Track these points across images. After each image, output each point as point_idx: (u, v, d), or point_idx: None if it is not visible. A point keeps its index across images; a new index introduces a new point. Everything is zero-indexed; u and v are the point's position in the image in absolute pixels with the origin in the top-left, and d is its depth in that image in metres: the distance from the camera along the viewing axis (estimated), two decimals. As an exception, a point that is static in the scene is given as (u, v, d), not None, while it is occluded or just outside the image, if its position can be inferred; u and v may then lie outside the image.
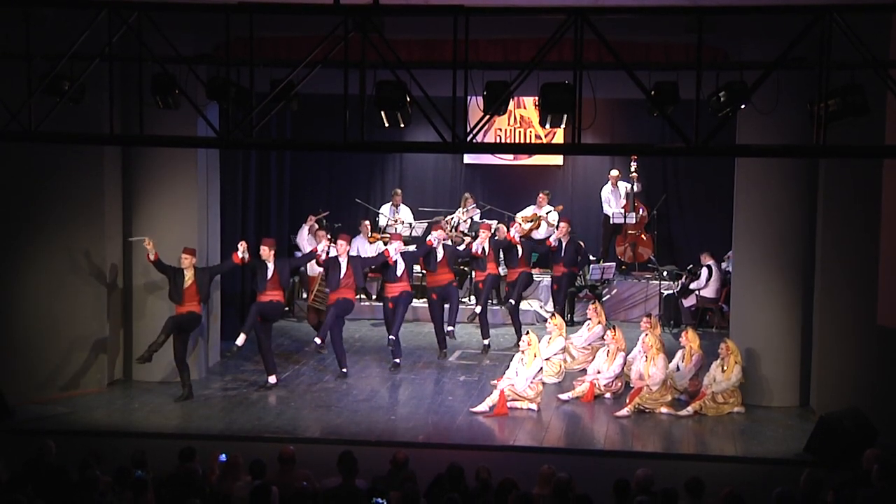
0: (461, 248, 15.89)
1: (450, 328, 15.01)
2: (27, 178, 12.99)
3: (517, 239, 15.57)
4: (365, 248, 16.79)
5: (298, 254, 15.80)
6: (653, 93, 9.43)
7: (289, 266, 14.05)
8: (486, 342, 15.52)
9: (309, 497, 8.00)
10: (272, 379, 13.71)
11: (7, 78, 10.25)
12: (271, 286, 13.56)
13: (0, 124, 9.50)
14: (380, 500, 7.87)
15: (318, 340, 13.88)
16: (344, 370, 14.18)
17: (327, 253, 14.10)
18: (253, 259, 13.63)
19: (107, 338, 13.83)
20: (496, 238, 15.84)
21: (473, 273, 15.99)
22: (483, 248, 15.32)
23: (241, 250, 13.42)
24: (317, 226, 15.99)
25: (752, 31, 12.23)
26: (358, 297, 17.08)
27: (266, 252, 13.59)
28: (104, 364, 13.81)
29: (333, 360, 14.67)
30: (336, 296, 14.03)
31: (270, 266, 13.56)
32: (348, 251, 14.25)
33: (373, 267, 15.31)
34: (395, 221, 17.80)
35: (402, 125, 9.63)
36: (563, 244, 15.96)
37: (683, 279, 16.58)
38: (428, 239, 15.05)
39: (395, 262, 14.40)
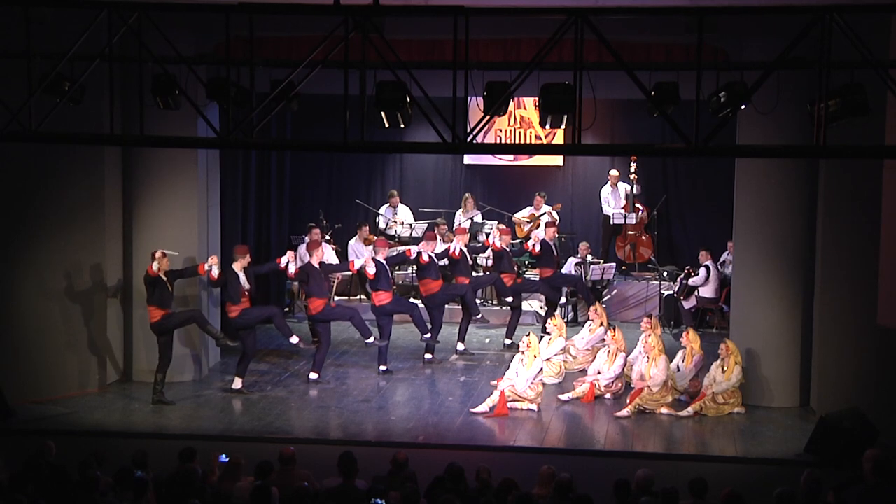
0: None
1: (428, 356, 14.89)
2: (27, 178, 12.98)
3: (498, 244, 15.36)
4: (360, 250, 16.81)
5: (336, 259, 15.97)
6: (653, 93, 9.43)
7: (253, 274, 13.71)
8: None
9: (309, 497, 7.99)
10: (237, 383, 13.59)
11: (7, 78, 10.25)
12: (245, 298, 13.37)
13: (0, 124, 9.50)
14: (379, 500, 7.87)
15: (313, 376, 13.96)
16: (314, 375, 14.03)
17: (297, 266, 13.91)
18: (223, 274, 13.38)
19: (107, 338, 13.84)
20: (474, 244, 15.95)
21: (455, 280, 15.38)
22: (461, 250, 14.99)
23: (209, 264, 13.25)
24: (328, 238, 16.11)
25: (752, 31, 12.24)
26: (358, 297, 17.18)
27: (239, 264, 13.38)
28: (104, 364, 13.82)
29: (334, 362, 14.72)
30: (321, 305, 13.91)
31: (242, 276, 13.38)
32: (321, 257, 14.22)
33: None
34: (394, 222, 17.81)
35: (402, 125, 9.62)
36: (544, 247, 15.58)
37: (682, 278, 16.54)
38: (422, 257, 14.68)
39: (377, 273, 14.17)
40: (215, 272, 13.28)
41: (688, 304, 16.42)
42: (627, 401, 12.94)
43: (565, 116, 9.28)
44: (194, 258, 13.72)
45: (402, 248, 16.00)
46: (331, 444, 11.22)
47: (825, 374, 12.72)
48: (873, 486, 8.09)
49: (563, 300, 16.42)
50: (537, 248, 15.54)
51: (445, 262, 15.09)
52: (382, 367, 14.37)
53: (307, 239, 15.94)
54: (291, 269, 13.88)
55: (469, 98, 9.15)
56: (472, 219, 17.74)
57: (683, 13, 10.32)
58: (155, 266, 12.89)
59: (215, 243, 14.59)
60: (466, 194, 18.26)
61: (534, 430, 12.42)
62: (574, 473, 8.54)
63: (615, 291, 17.48)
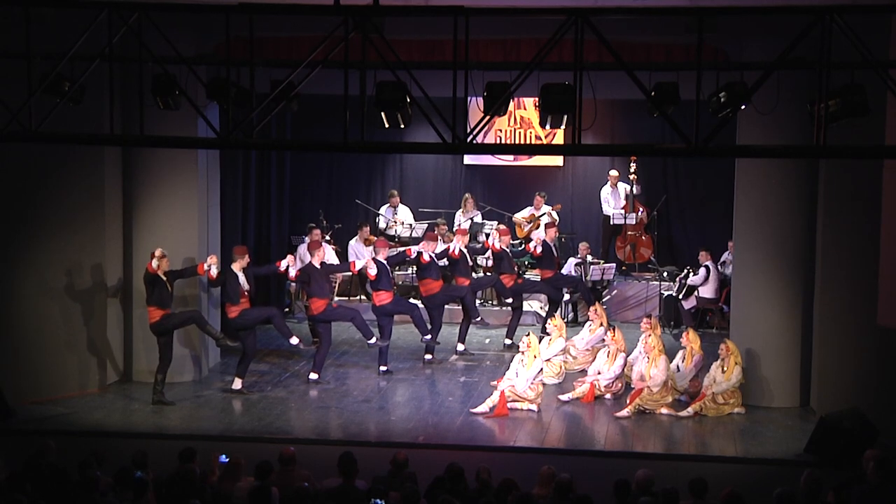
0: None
1: (428, 357, 14.87)
2: (27, 178, 12.98)
3: (497, 246, 15.38)
4: (361, 250, 16.79)
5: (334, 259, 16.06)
6: (653, 93, 9.42)
7: (253, 275, 13.72)
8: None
9: (309, 497, 7.99)
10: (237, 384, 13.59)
11: (7, 78, 10.25)
12: (244, 299, 13.37)
13: (0, 124, 9.50)
14: (379, 500, 7.87)
15: (313, 376, 13.94)
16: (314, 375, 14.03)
17: (297, 269, 13.92)
18: (222, 274, 13.40)
19: (107, 338, 13.84)
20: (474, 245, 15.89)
21: (455, 280, 15.38)
22: (461, 250, 14.97)
23: (208, 263, 13.26)
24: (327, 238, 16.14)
25: (752, 31, 12.24)
26: (358, 297, 17.17)
27: (238, 264, 13.40)
28: (104, 364, 13.82)
29: (334, 362, 14.71)
30: (323, 305, 13.90)
31: (241, 276, 13.39)
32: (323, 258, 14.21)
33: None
34: (395, 223, 17.81)
35: (402, 126, 9.61)
36: (545, 248, 15.57)
37: (681, 278, 16.55)
38: (422, 257, 14.72)
39: (378, 274, 14.14)
40: (214, 271, 13.28)
41: (688, 305, 16.42)
42: (627, 401, 12.94)
43: (565, 116, 9.27)
44: (194, 258, 13.72)
45: (402, 248, 16.00)
46: (331, 445, 11.22)
47: (825, 374, 12.72)
48: (876, 486, 8.09)
49: (566, 297, 16.43)
50: (539, 249, 15.54)
51: (445, 262, 15.09)
52: (383, 368, 14.36)
53: (307, 239, 15.94)
54: (292, 273, 13.89)
55: (469, 98, 9.13)
56: (472, 219, 17.73)
57: (683, 13, 10.32)
58: (154, 264, 12.88)
59: (215, 243, 14.59)
60: (466, 195, 18.26)
61: (534, 430, 12.42)
62: (574, 473, 8.54)
63: (615, 292, 17.47)
